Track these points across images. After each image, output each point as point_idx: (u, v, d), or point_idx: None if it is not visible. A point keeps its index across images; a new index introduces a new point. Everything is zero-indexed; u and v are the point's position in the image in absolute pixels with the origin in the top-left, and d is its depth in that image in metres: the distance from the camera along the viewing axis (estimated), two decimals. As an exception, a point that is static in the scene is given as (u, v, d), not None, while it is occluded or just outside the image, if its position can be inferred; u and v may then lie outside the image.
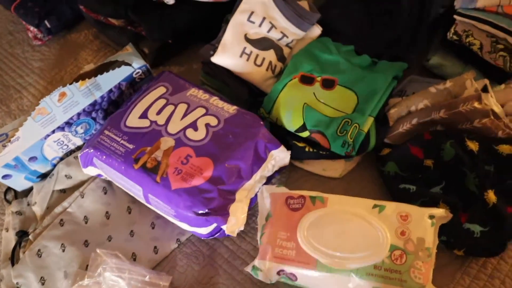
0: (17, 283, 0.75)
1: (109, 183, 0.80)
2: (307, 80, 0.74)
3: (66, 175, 0.82)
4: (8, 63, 1.08)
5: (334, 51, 0.77)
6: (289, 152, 0.72)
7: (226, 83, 0.81)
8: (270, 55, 0.78)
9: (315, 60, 0.76)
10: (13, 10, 1.05)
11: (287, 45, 0.80)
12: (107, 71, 0.80)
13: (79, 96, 0.79)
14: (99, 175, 0.78)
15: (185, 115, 0.71)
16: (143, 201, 0.71)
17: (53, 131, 0.79)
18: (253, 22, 0.78)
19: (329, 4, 0.83)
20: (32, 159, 0.80)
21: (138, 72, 0.82)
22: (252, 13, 0.78)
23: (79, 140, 0.84)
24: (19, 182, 0.83)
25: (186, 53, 0.96)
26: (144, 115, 0.73)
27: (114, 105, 0.83)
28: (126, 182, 0.70)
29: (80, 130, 0.82)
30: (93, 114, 0.82)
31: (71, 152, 0.85)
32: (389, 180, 0.72)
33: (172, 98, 0.74)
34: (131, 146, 0.70)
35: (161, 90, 0.76)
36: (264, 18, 0.77)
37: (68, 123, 0.79)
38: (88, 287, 0.69)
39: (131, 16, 0.86)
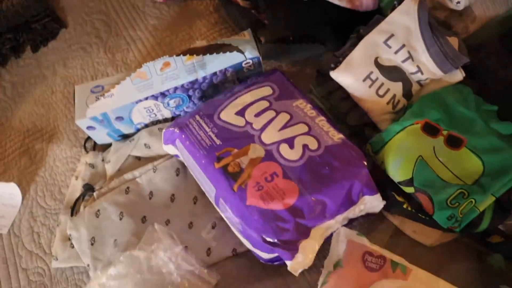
0: (70, 234, 0.74)
1: (183, 165, 0.76)
2: (431, 130, 0.64)
3: (145, 144, 0.79)
4: (126, 13, 1.07)
5: (472, 106, 0.65)
6: (383, 202, 0.63)
7: (337, 102, 0.72)
8: (396, 88, 0.68)
9: (446, 109, 0.65)
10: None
11: (418, 81, 0.69)
12: (217, 52, 0.75)
13: (182, 70, 0.75)
14: (176, 156, 0.74)
15: (284, 126, 0.64)
16: (212, 200, 0.66)
17: (146, 98, 0.76)
18: (389, 47, 0.68)
19: (481, 50, 0.71)
20: (119, 118, 0.78)
21: (249, 63, 0.76)
22: (391, 36, 0.68)
23: (168, 112, 0.80)
24: (100, 136, 0.82)
25: (302, 54, 0.89)
26: (241, 112, 0.67)
27: (214, 89, 0.78)
28: (201, 176, 0.65)
29: (172, 103, 0.78)
30: (190, 92, 0.77)
31: (157, 122, 0.82)
32: (489, 274, 0.60)
33: (276, 103, 0.67)
34: (218, 142, 0.64)
35: (267, 90, 0.70)
36: (403, 46, 0.67)
37: (163, 94, 0.76)
38: (138, 258, 0.66)
39: (259, 3, 0.80)
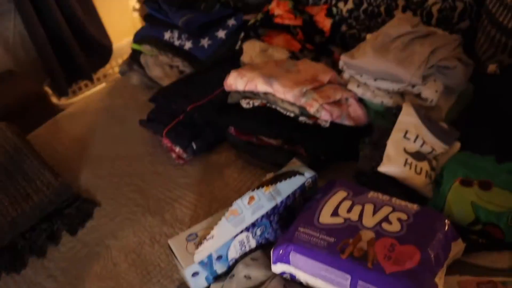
0: None
1: (287, 280, 0.87)
2: (466, 183, 0.88)
3: (245, 276, 0.89)
4: (153, 179, 1.21)
5: (479, 160, 0.93)
6: (464, 245, 0.82)
7: (385, 191, 0.94)
8: (425, 165, 0.93)
9: (466, 166, 0.91)
10: (165, 134, 1.23)
11: (434, 157, 0.96)
12: (285, 179, 0.94)
13: (264, 200, 0.91)
14: (282, 273, 0.86)
15: (374, 212, 0.83)
16: (345, 290, 0.78)
17: (241, 231, 0.88)
18: (408, 139, 0.95)
19: (463, 124, 1.02)
20: (219, 258, 0.88)
21: (309, 181, 0.96)
22: (406, 131, 0.95)
23: (254, 242, 0.93)
24: (199, 283, 0.89)
25: (327, 170, 1.11)
26: (335, 213, 0.84)
27: (288, 211, 0.94)
28: (330, 272, 0.78)
29: (258, 232, 0.92)
30: (271, 218, 0.92)
31: (244, 255, 0.93)
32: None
33: (356, 199, 0.87)
34: (332, 239, 0.80)
35: (342, 194, 0.89)
36: (417, 136, 0.95)
37: (253, 225, 0.89)
38: None
39: (294, 136, 1.04)
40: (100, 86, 2.16)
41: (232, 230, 0.88)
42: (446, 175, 0.91)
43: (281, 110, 1.08)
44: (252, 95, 1.13)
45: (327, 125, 1.03)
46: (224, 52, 1.42)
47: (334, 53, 1.34)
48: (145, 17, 1.54)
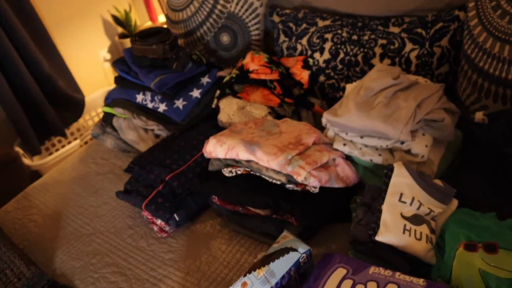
0: None
1: None
2: (470, 247, 0.83)
3: None
4: (135, 257, 1.12)
5: (480, 218, 0.88)
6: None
7: (385, 259, 0.88)
8: (424, 229, 0.88)
9: (468, 228, 0.86)
10: (144, 207, 1.15)
11: (432, 218, 0.91)
12: (278, 258, 0.87)
13: (257, 284, 0.84)
14: None
15: (378, 292, 0.77)
16: None
17: (238, 323, 0.81)
18: (404, 202, 0.90)
19: (456, 176, 0.98)
20: None
21: (303, 257, 0.89)
22: (401, 194, 0.90)
23: (252, 329, 0.85)
24: None
25: (321, 235, 1.05)
26: (337, 297, 0.78)
27: (284, 290, 0.87)
28: None
29: (256, 319, 0.84)
30: (268, 302, 0.85)
31: None
32: None
33: (357, 277, 0.80)
34: (338, 329, 0.73)
35: (341, 271, 0.82)
36: (413, 198, 0.90)
37: (250, 313, 0.82)
38: None
39: (283, 206, 0.97)
40: (74, 143, 2.06)
41: (226, 323, 0.80)
42: (448, 240, 0.85)
43: (267, 178, 1.02)
44: (234, 162, 1.07)
45: (317, 191, 0.98)
46: (199, 112, 1.36)
47: (315, 105, 1.30)
48: (116, 79, 1.47)
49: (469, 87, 1.13)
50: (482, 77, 1.08)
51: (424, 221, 0.90)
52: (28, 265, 1.10)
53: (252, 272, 0.85)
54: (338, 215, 1.05)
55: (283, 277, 0.86)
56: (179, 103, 1.34)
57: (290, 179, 0.98)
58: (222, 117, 1.31)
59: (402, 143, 1.00)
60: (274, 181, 1.01)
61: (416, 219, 0.89)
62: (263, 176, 1.02)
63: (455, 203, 0.93)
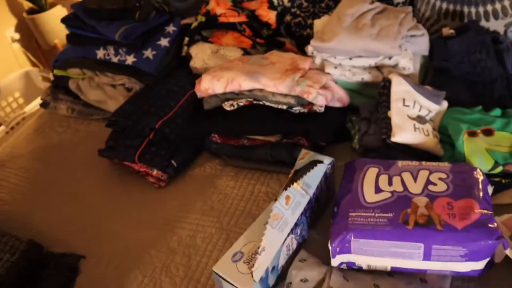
0: None
1: (345, 271, 0.83)
2: (472, 134, 0.94)
3: (302, 280, 0.82)
4: (139, 210, 1.06)
5: (470, 112, 1.00)
6: (492, 188, 0.88)
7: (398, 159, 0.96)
8: (428, 127, 0.97)
9: (464, 121, 0.97)
10: (137, 159, 1.09)
11: (430, 119, 1.01)
12: (309, 171, 0.89)
13: (299, 196, 0.85)
14: (340, 264, 0.82)
15: (414, 178, 0.83)
16: (416, 261, 0.77)
17: (288, 234, 0.82)
18: (408, 106, 0.98)
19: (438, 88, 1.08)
20: (273, 270, 0.80)
21: (329, 167, 0.93)
22: (404, 99, 0.98)
23: (295, 243, 0.87)
24: (254, 302, 0.80)
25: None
26: (378, 190, 0.83)
27: (316, 201, 0.90)
28: (400, 247, 0.76)
29: (298, 231, 0.86)
30: (306, 213, 0.87)
31: (289, 258, 0.86)
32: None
33: (390, 171, 0.86)
34: (390, 214, 0.78)
35: (373, 170, 0.87)
36: (414, 102, 0.98)
37: (295, 225, 0.84)
38: None
39: (295, 127, 1.00)
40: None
41: (280, 236, 0.81)
42: (453, 132, 0.96)
43: (271, 104, 1.03)
44: (235, 95, 1.05)
45: (323, 110, 1.02)
46: (169, 61, 1.31)
47: (286, 44, 1.33)
48: (69, 38, 1.34)
49: (427, 10, 1.26)
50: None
51: (426, 120, 0.99)
52: (17, 238, 0.98)
53: (291, 185, 0.86)
54: (337, 134, 1.10)
55: (317, 187, 0.89)
56: (149, 53, 1.27)
57: (299, 100, 1.00)
58: (197, 63, 1.28)
59: (390, 58, 1.08)
60: (280, 106, 1.02)
61: (420, 119, 0.98)
62: (267, 103, 1.03)
63: (445, 104, 1.04)
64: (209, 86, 1.06)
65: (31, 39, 2.40)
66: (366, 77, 1.11)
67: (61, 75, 1.35)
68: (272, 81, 1.00)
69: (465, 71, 1.10)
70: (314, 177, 0.89)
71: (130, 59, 1.26)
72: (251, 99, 1.04)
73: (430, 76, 1.17)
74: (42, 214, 1.11)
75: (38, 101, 2.01)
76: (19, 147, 1.31)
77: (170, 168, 1.09)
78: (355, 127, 1.09)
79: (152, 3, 1.30)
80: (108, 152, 1.13)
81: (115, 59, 1.28)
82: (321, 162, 0.92)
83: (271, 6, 1.36)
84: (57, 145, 1.29)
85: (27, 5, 2.28)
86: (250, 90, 1.04)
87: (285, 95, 1.01)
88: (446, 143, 0.98)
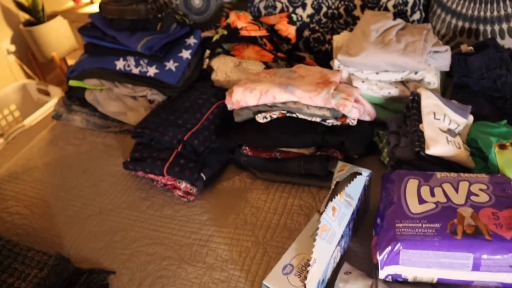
0: None
1: (389, 283, 0.83)
2: (502, 147, 0.97)
3: (347, 291, 0.83)
4: (167, 225, 1.04)
5: (497, 126, 1.03)
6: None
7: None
8: (459, 140, 1.00)
9: (492, 134, 1.01)
10: (166, 171, 1.07)
11: (458, 132, 1.04)
12: (349, 182, 0.90)
13: (343, 208, 0.86)
14: (386, 277, 0.82)
15: (456, 190, 0.85)
16: (465, 271, 0.78)
17: (336, 247, 0.82)
18: (438, 119, 1.01)
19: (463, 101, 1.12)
20: (323, 281, 0.80)
21: (367, 179, 0.94)
22: (434, 113, 1.01)
23: (339, 254, 0.87)
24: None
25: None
26: (422, 201, 0.84)
27: (357, 213, 0.91)
28: (449, 257, 0.77)
29: (343, 243, 0.86)
30: (350, 225, 0.88)
31: (334, 270, 0.86)
32: None
33: (430, 183, 0.88)
34: (438, 225, 0.79)
35: (414, 182, 0.89)
36: (444, 115, 1.01)
37: (342, 236, 0.84)
38: None
39: (330, 140, 1.00)
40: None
41: (329, 247, 0.81)
42: (484, 145, 0.98)
43: (305, 117, 1.04)
44: (267, 107, 1.06)
45: (355, 123, 1.03)
46: (191, 73, 1.30)
47: (306, 59, 1.35)
48: (87, 48, 1.32)
49: (443, 28, 1.30)
50: (455, 17, 1.26)
51: (456, 134, 1.02)
52: (45, 253, 0.94)
53: (336, 197, 0.87)
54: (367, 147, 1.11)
55: (359, 199, 0.90)
56: (171, 65, 1.26)
57: (334, 113, 1.02)
58: (219, 76, 1.28)
59: (416, 73, 1.11)
60: (313, 118, 1.03)
61: (451, 132, 1.00)
62: (300, 116, 1.04)
63: (471, 118, 1.07)
64: (241, 98, 1.06)
65: (27, 51, 2.35)
66: (393, 91, 1.13)
67: (76, 86, 1.33)
68: (307, 93, 1.01)
69: (485, 87, 1.15)
70: (355, 188, 0.90)
71: (152, 71, 1.25)
72: (284, 111, 1.05)
73: (450, 91, 1.21)
74: (63, 228, 1.07)
75: (37, 114, 1.97)
76: (33, 160, 1.27)
77: (199, 181, 1.07)
78: (382, 140, 1.11)
79: (173, 15, 1.30)
80: (133, 164, 1.11)
81: (135, 70, 1.26)
82: (359, 174, 0.93)
83: (291, 21, 1.38)
84: (74, 158, 1.26)
85: (24, 17, 2.23)
86: (283, 102, 1.04)
87: (320, 108, 1.02)
88: (476, 156, 1.01)
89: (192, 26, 1.38)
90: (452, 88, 1.21)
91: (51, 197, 1.15)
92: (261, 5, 1.44)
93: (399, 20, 1.19)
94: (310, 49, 1.41)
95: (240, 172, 1.14)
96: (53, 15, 2.32)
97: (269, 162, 1.08)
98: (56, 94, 2.11)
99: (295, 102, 1.03)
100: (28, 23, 2.21)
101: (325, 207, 0.87)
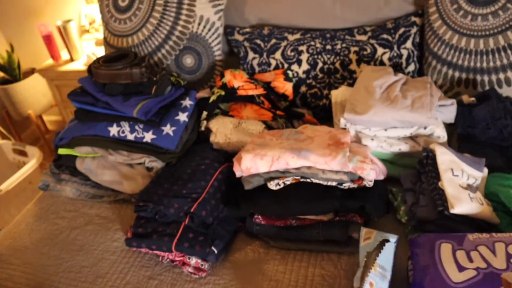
0: None
1: None
2: (524, 200, 0.96)
3: None
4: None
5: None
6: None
7: (457, 230, 0.95)
8: (480, 195, 0.98)
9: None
10: (175, 248, 0.99)
11: (476, 186, 1.01)
12: (380, 252, 0.85)
13: (379, 281, 0.80)
14: None
15: (493, 252, 0.81)
16: None
17: (377, 326, 0.76)
18: (457, 176, 0.98)
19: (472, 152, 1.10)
20: None
21: (395, 245, 0.89)
22: (452, 169, 0.99)
23: (378, 332, 0.80)
24: None
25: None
26: (461, 268, 0.80)
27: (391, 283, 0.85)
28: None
29: (380, 318, 0.80)
30: (384, 300, 0.82)
31: None
32: None
33: (465, 246, 0.84)
34: (482, 297, 0.75)
35: (447, 246, 0.85)
36: (462, 171, 0.99)
37: (380, 313, 0.78)
38: None
39: (350, 204, 0.96)
40: None
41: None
42: (506, 198, 0.96)
43: (320, 182, 0.99)
44: (280, 173, 1.01)
45: (372, 184, 0.99)
46: (188, 137, 1.24)
47: (305, 115, 1.32)
48: (78, 114, 1.23)
49: (440, 79, 1.31)
50: (452, 68, 1.27)
51: (475, 189, 0.99)
52: None
53: (371, 270, 0.81)
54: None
55: (391, 269, 0.84)
56: (168, 130, 1.19)
57: (351, 176, 0.97)
58: (218, 138, 1.22)
59: (425, 128, 1.10)
60: (329, 182, 0.99)
61: (471, 188, 0.98)
62: (315, 181, 0.99)
63: (486, 170, 1.06)
64: (251, 165, 1.01)
65: (1, 110, 2.23)
66: (403, 147, 1.11)
67: (64, 155, 1.24)
68: (323, 158, 0.97)
69: (491, 137, 1.14)
70: (386, 257, 0.85)
71: (148, 136, 1.18)
72: (298, 177, 1.00)
73: (454, 142, 1.20)
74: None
75: (14, 177, 1.84)
76: (21, 238, 1.15)
77: (211, 256, 0.99)
78: (397, 198, 1.08)
79: (168, 76, 1.25)
80: (137, 241, 1.02)
81: (131, 136, 1.19)
82: (387, 241, 0.88)
83: (287, 78, 1.36)
84: (67, 234, 1.15)
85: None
86: (297, 168, 0.99)
87: (337, 172, 0.98)
88: (498, 210, 0.98)
89: (185, 86, 1.34)
90: (457, 139, 1.20)
91: (45, 283, 1.03)
92: (254, 62, 1.42)
93: (400, 75, 1.19)
94: (307, 105, 1.38)
95: (252, 241, 1.07)
96: (29, 72, 2.23)
97: (284, 230, 1.01)
98: (33, 154, 2.00)
99: (309, 167, 0.99)
100: (2, 81, 2.11)
101: (360, 283, 0.81)
